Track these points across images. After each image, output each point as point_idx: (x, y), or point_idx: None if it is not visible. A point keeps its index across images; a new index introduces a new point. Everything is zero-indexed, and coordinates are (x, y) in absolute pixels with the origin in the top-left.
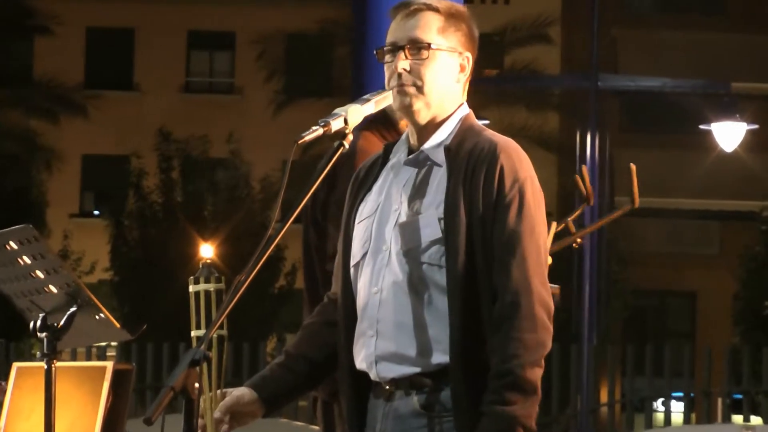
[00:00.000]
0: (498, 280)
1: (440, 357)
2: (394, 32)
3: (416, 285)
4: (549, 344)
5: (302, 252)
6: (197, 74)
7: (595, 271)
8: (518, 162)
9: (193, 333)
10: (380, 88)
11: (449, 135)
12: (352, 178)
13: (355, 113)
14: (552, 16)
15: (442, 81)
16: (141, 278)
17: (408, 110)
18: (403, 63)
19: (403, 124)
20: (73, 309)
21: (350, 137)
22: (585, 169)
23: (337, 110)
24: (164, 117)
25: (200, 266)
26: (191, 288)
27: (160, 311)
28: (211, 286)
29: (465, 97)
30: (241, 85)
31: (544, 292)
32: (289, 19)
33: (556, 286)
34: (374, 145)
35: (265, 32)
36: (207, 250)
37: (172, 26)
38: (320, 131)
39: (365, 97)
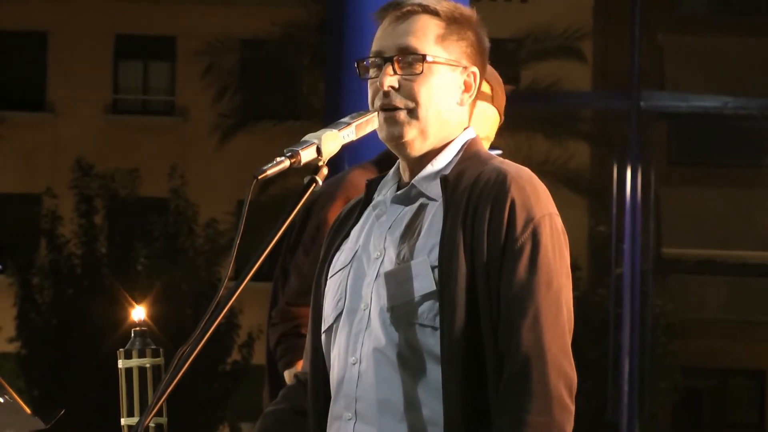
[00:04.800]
0: (504, 346)
1: None
2: (380, 40)
3: (404, 352)
4: (568, 429)
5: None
6: (127, 91)
7: (636, 344)
8: (534, 195)
9: (123, 421)
10: (362, 108)
11: (448, 164)
12: (332, 224)
13: (330, 141)
14: (585, 26)
15: (441, 103)
16: (55, 351)
17: (398, 141)
18: (391, 79)
19: None
20: None
21: (324, 171)
22: None
23: (307, 137)
24: (85, 145)
25: (132, 335)
26: (121, 363)
27: (80, 393)
28: (146, 361)
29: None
30: (184, 105)
31: (563, 361)
32: (244, 22)
33: None
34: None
35: (214, 38)
36: (139, 313)
37: (96, 29)
38: (286, 164)
39: (343, 120)
